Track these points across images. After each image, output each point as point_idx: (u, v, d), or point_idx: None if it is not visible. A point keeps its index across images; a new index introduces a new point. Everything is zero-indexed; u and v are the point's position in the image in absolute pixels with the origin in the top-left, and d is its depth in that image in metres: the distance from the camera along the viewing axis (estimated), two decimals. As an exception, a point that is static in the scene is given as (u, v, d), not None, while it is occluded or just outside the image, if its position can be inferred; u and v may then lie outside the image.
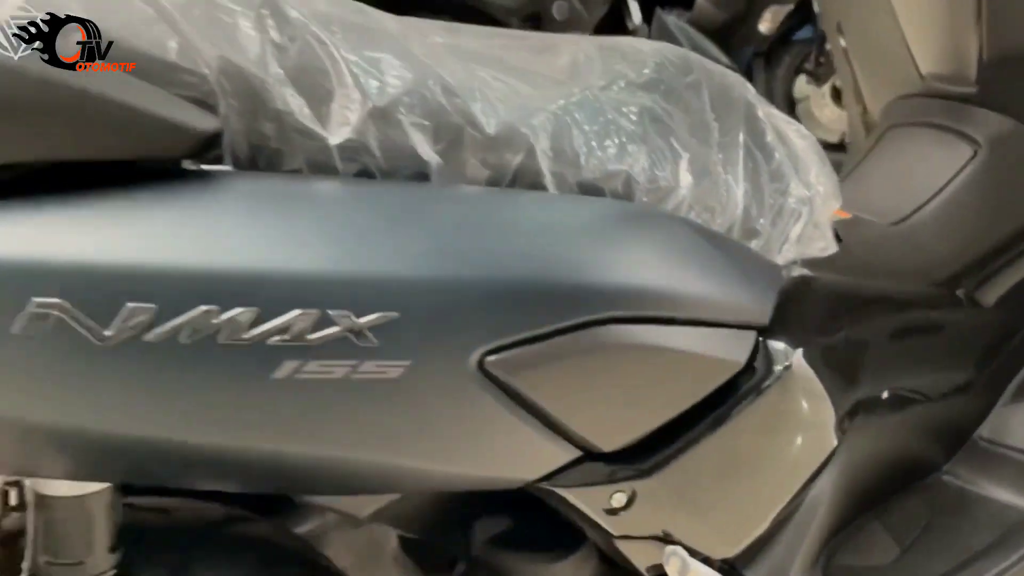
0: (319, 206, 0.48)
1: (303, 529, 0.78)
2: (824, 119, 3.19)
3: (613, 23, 2.74)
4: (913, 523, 1.08)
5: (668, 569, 0.64)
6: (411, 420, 0.50)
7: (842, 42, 1.35)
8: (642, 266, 0.57)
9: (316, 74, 0.50)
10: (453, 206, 0.52)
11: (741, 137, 0.75)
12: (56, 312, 0.40)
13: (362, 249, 0.47)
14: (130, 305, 0.42)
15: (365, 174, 0.52)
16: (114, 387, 0.43)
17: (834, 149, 3.26)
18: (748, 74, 3.16)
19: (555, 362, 0.52)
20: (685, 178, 0.65)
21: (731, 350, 0.63)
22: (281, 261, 0.45)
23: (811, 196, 0.80)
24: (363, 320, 0.46)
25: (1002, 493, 1.13)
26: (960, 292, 1.10)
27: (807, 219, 0.80)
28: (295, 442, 0.48)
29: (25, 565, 0.52)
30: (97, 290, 0.41)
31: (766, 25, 3.10)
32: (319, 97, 0.50)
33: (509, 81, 0.59)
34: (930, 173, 1.12)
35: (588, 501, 0.60)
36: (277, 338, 0.44)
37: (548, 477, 0.57)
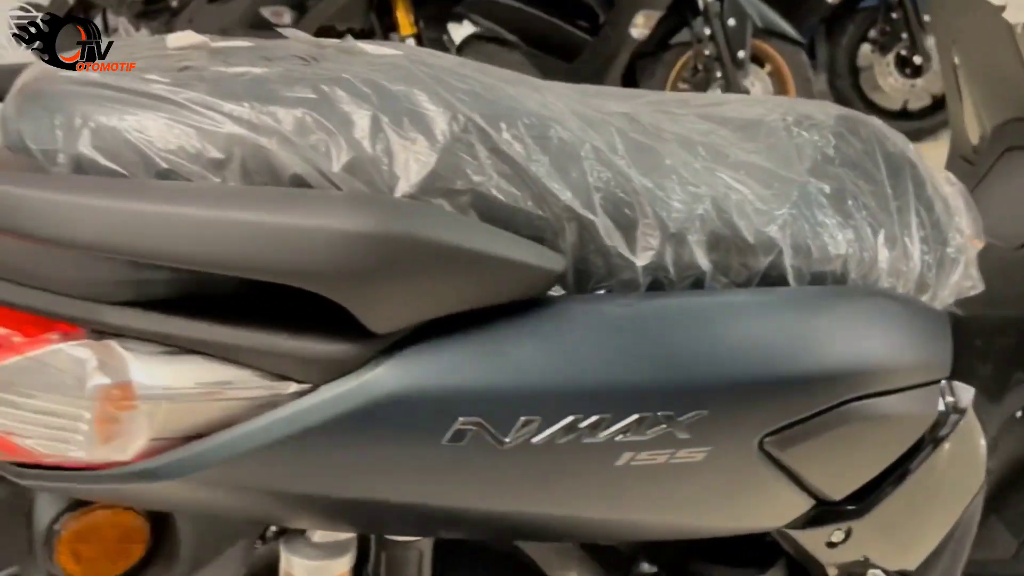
0: (642, 323, 0.58)
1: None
2: (887, 88, 3.25)
3: (683, -3, 2.79)
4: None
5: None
6: (703, 490, 0.61)
7: (955, 59, 1.42)
8: (874, 347, 0.67)
9: (624, 206, 0.60)
10: (733, 310, 0.62)
11: (911, 198, 0.84)
12: (474, 427, 0.52)
13: (680, 359, 0.58)
14: (523, 418, 0.53)
15: (655, 285, 0.62)
16: (508, 479, 0.55)
17: (896, 117, 3.32)
18: (811, 43, 3.20)
19: (812, 436, 0.63)
20: (883, 252, 0.75)
21: (930, 405, 0.74)
22: (624, 375, 0.56)
23: (964, 242, 0.89)
24: (682, 419, 0.57)
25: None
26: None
27: (962, 265, 0.89)
28: (616, 510, 0.60)
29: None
30: (502, 408, 0.53)
31: (831, -6, 3.13)
32: (626, 226, 0.60)
33: (746, 181, 0.68)
34: (1051, 198, 1.20)
35: (812, 539, 0.72)
36: (621, 436, 0.56)
37: (788, 523, 0.69)
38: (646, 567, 0.90)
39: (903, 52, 3.16)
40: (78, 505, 0.59)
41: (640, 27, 2.78)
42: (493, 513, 0.57)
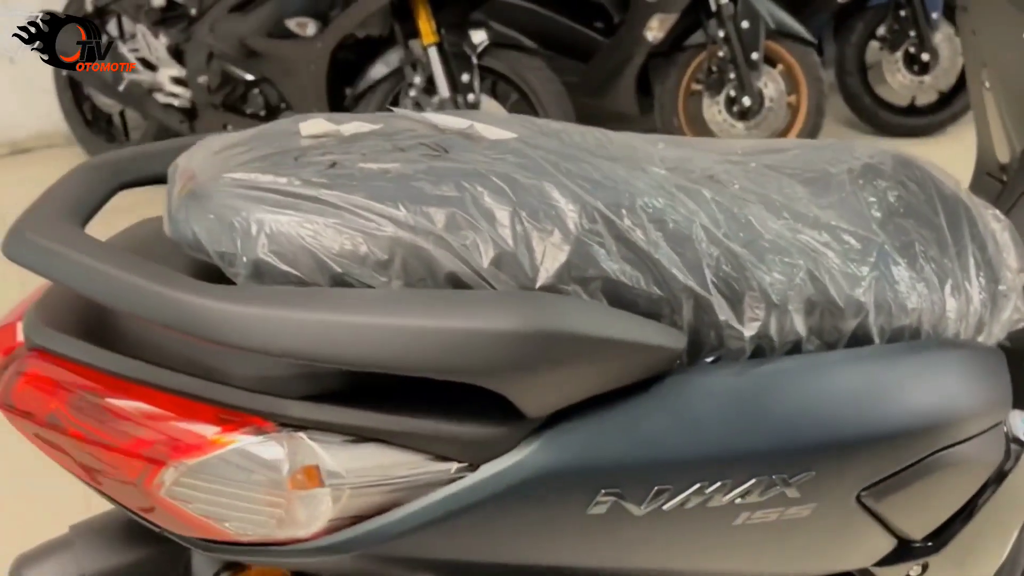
0: (755, 390, 0.63)
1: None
2: (896, 84, 3.30)
3: (696, 1, 2.82)
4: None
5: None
6: (807, 540, 0.67)
7: (986, 81, 1.47)
8: (953, 398, 0.73)
9: (732, 281, 0.65)
10: (832, 372, 0.67)
11: (968, 241, 0.89)
12: (614, 498, 0.57)
13: (789, 422, 0.63)
14: (656, 487, 0.58)
15: (757, 351, 0.67)
16: (642, 542, 0.60)
17: (904, 113, 3.37)
18: (820, 40, 3.24)
19: (902, 487, 0.69)
20: (950, 302, 0.80)
21: (999, 444, 0.79)
22: (742, 441, 0.61)
23: (1014, 278, 0.94)
24: (793, 480, 0.62)
25: None
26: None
27: (1014, 300, 0.94)
28: (730, 562, 0.66)
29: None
30: (637, 480, 0.58)
31: (841, -9, 3.17)
32: (734, 300, 0.65)
33: (831, 244, 0.73)
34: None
35: (893, 574, 0.78)
36: (740, 500, 0.61)
37: (863, 566, 0.75)
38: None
39: (911, 49, 3.20)
40: (233, 565, 0.64)
41: (655, 30, 2.82)
42: (628, 572, 0.62)
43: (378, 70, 2.64)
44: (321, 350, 0.50)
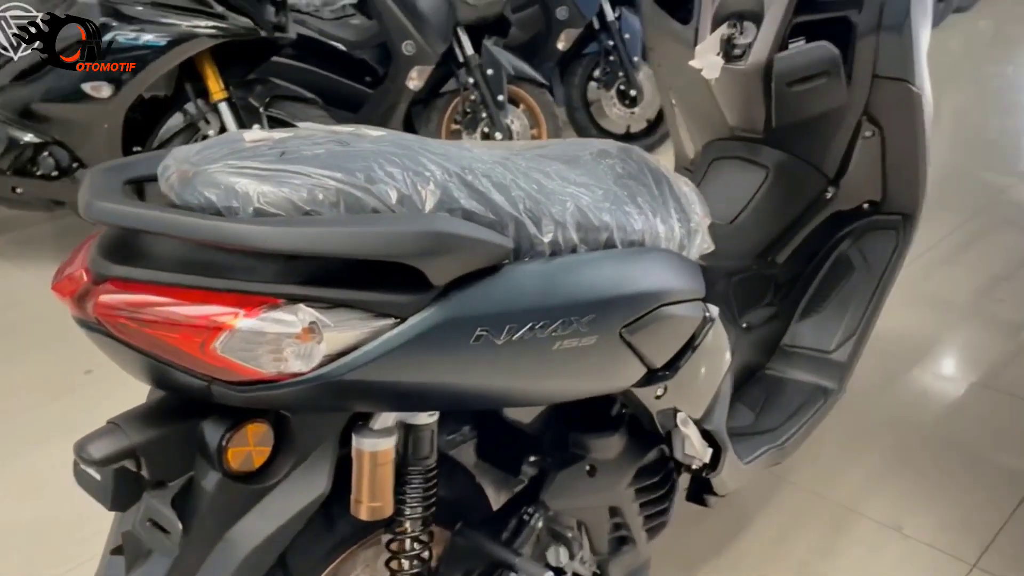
0: (559, 272, 1.03)
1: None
2: (613, 116, 4.00)
3: (447, 55, 3.33)
4: (758, 399, 1.80)
5: (678, 422, 1.28)
6: (595, 362, 1.09)
7: (672, 101, 2.04)
8: (669, 277, 1.19)
9: (534, 211, 1.06)
10: (603, 262, 1.09)
11: (668, 195, 1.38)
12: (485, 333, 0.96)
13: (577, 289, 1.04)
14: (508, 326, 0.97)
15: (553, 253, 1.09)
16: (501, 363, 0.99)
17: (622, 139, 4.08)
18: (551, 83, 3.87)
19: (644, 327, 1.13)
20: (661, 228, 1.27)
21: (698, 311, 1.27)
22: (555, 299, 1.01)
23: (700, 219, 1.45)
24: (583, 320, 1.04)
25: (800, 375, 1.88)
26: (769, 258, 1.84)
27: (701, 234, 1.45)
28: (551, 379, 1.06)
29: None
30: (497, 322, 0.97)
31: (562, 43, 3.81)
32: (536, 221, 1.06)
33: (585, 192, 1.17)
34: (744, 188, 1.83)
35: (646, 394, 1.23)
36: (554, 333, 1.01)
37: (633, 384, 1.19)
38: (535, 456, 1.38)
39: (622, 87, 3.91)
40: (233, 426, 0.96)
41: (415, 80, 3.29)
42: (492, 388, 1.01)
43: (172, 124, 2.89)
44: (314, 246, 0.85)
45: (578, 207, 1.11)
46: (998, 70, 5.94)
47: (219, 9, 2.69)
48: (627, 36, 3.84)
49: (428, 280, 0.92)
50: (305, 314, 0.87)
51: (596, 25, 3.87)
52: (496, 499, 1.36)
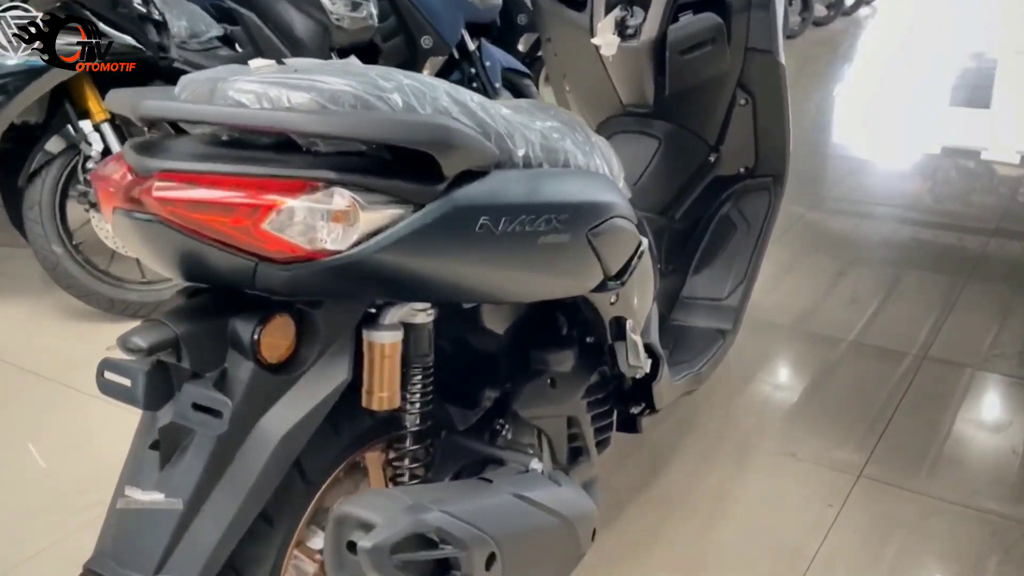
0: (537, 179, 1.19)
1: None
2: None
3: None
4: (667, 345, 2.00)
5: (628, 329, 1.45)
6: (567, 260, 1.24)
7: (567, 87, 2.25)
8: (618, 196, 1.37)
9: (510, 131, 1.21)
10: (571, 175, 1.26)
11: (595, 144, 1.56)
12: (487, 222, 1.10)
13: (552, 191, 1.19)
14: (504, 218, 1.11)
15: (526, 165, 1.24)
16: (501, 251, 1.12)
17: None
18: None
19: (603, 234, 1.30)
20: (593, 161, 1.45)
21: (639, 234, 1.46)
22: (538, 198, 1.16)
23: (618, 168, 1.64)
24: (560, 218, 1.19)
25: (699, 322, 2.11)
26: (668, 215, 2.06)
27: (621, 179, 1.64)
28: (535, 272, 1.21)
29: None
30: (496, 214, 1.11)
31: (427, 71, 4.05)
32: (511, 139, 1.21)
33: (539, 130, 1.34)
34: (642, 156, 2.05)
35: (601, 299, 1.39)
36: (539, 228, 1.16)
37: (590, 289, 1.35)
38: (493, 386, 1.50)
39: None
40: (263, 319, 1.05)
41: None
42: (489, 280, 1.14)
43: (50, 148, 2.83)
44: (357, 131, 0.96)
45: (541, 132, 1.28)
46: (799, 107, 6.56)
47: (101, 27, 2.70)
48: (488, 64, 4.11)
49: (440, 173, 1.04)
50: (345, 194, 0.98)
51: (456, 55, 4.12)
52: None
